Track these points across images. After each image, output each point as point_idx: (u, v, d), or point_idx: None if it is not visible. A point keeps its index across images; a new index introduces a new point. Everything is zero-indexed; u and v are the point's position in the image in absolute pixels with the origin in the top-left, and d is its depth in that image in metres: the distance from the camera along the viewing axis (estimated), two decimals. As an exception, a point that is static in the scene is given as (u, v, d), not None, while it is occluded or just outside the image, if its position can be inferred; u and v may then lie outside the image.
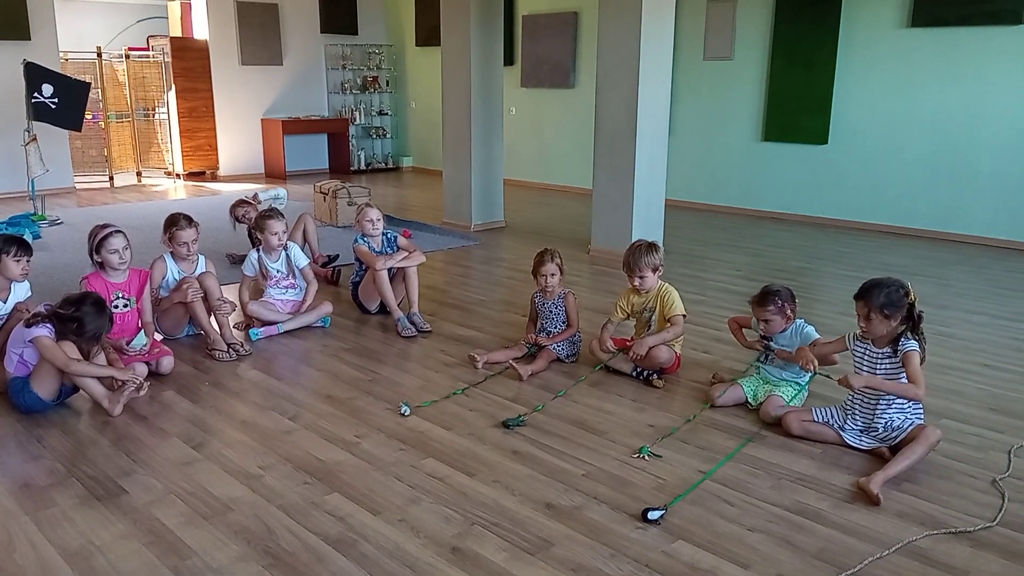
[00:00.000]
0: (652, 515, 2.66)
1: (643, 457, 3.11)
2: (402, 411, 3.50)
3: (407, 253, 4.78)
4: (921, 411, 3.15)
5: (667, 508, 2.71)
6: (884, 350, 3.13)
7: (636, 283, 3.92)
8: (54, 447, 3.18)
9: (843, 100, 7.79)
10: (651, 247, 3.92)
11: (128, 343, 3.87)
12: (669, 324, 3.87)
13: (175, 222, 4.34)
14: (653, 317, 3.95)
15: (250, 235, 6.03)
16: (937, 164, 7.29)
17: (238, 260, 5.60)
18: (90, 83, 8.73)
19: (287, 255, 4.78)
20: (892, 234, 7.51)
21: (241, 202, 6.28)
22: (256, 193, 6.56)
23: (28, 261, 3.83)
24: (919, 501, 2.78)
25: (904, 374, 3.07)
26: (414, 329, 4.57)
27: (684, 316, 3.90)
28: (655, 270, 3.91)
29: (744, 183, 8.69)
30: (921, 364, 3.07)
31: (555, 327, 4.17)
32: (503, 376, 3.94)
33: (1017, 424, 3.41)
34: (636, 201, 6.34)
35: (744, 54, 8.45)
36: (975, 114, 7.00)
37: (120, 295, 3.98)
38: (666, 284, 3.96)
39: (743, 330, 3.83)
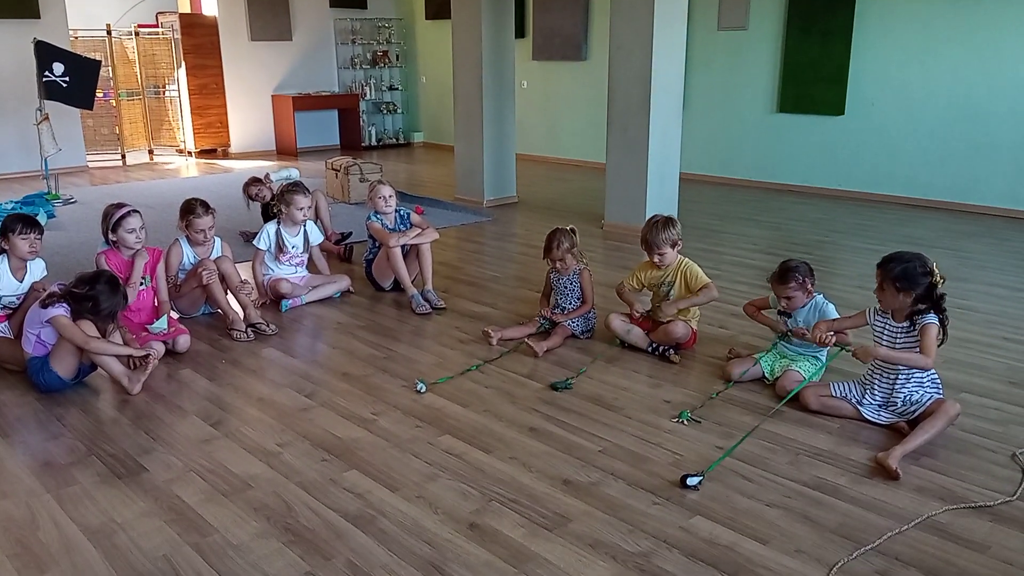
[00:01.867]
0: (691, 481, 2.70)
1: (683, 422, 3.17)
2: (418, 388, 3.51)
3: (420, 230, 4.77)
4: (940, 385, 3.12)
5: (704, 474, 2.73)
6: (903, 324, 3.10)
7: (656, 259, 3.90)
8: (74, 426, 3.21)
9: (859, 70, 7.67)
10: (668, 222, 3.89)
11: (149, 326, 3.89)
12: (701, 291, 3.85)
13: (192, 210, 4.33)
14: (672, 291, 3.92)
15: (264, 213, 6.03)
16: (955, 134, 7.18)
17: (251, 238, 5.60)
18: (100, 61, 8.72)
19: (305, 231, 4.79)
20: (911, 206, 7.43)
21: (255, 180, 6.27)
22: (267, 173, 6.55)
23: (37, 238, 3.81)
24: (938, 476, 2.77)
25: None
26: (428, 306, 4.57)
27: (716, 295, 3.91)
28: (674, 245, 3.89)
29: (760, 156, 8.60)
30: (941, 344, 3.03)
31: (570, 303, 4.15)
32: (518, 352, 3.94)
33: (1037, 398, 3.38)
34: (650, 175, 6.29)
35: (759, 24, 8.33)
36: (993, 83, 6.89)
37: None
38: (685, 259, 3.93)
39: (761, 312, 3.79)
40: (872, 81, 7.62)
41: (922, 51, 7.25)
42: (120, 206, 4.02)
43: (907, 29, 7.30)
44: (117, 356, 3.48)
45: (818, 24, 7.81)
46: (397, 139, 12.67)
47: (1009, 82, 6.80)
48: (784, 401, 3.25)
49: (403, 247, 4.70)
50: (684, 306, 3.85)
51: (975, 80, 6.99)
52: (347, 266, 5.53)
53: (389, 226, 4.79)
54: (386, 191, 4.78)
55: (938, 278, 3.02)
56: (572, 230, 4.12)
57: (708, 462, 2.86)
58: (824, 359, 3.56)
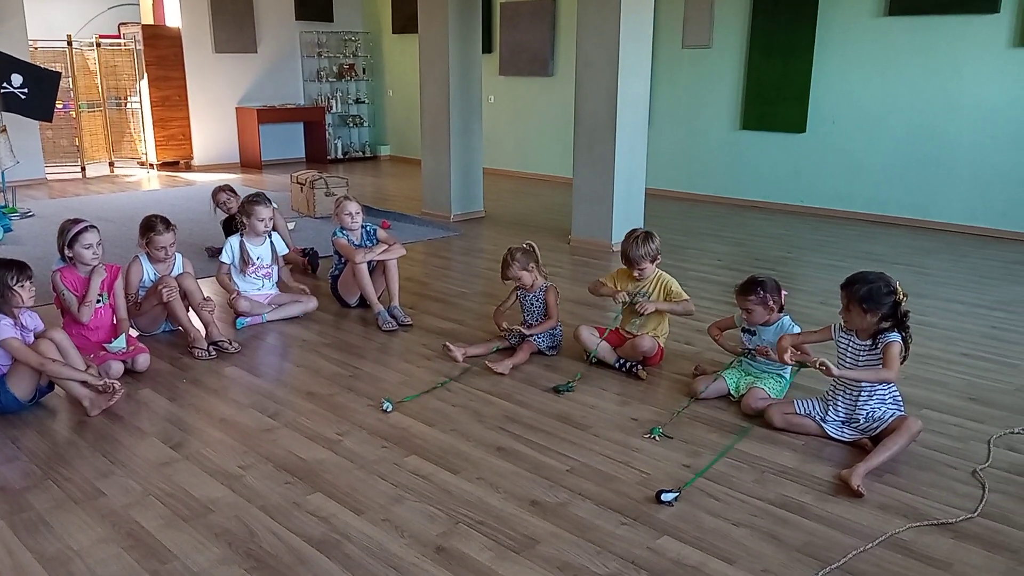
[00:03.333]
0: (666, 497, 2.71)
1: (654, 438, 3.19)
2: (384, 407, 3.47)
3: (386, 246, 4.74)
4: (901, 402, 3.16)
5: (680, 491, 2.75)
6: (867, 342, 3.14)
7: (636, 274, 3.93)
8: (29, 448, 3.12)
9: (821, 88, 7.81)
10: (647, 237, 3.92)
11: (106, 345, 3.81)
12: (681, 302, 3.90)
13: (152, 227, 4.26)
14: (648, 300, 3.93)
15: (226, 226, 5.93)
16: (915, 152, 7.33)
17: (216, 253, 5.53)
18: (60, 72, 8.58)
19: (271, 243, 4.73)
20: (871, 222, 7.55)
21: (224, 188, 6.12)
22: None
23: (31, 282, 3.45)
24: (901, 493, 2.80)
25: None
26: (395, 323, 4.53)
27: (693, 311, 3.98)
28: (653, 260, 3.92)
29: (723, 172, 8.70)
30: (903, 362, 3.08)
31: (535, 319, 4.15)
32: (485, 371, 3.92)
33: (997, 414, 3.44)
34: (616, 191, 6.32)
35: (723, 42, 8.44)
36: (952, 102, 7.05)
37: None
38: (663, 272, 3.96)
39: (725, 333, 3.82)
40: (833, 99, 7.75)
41: (882, 70, 7.40)
42: (76, 221, 3.94)
43: (867, 48, 7.45)
44: (75, 381, 3.38)
45: (780, 42, 7.94)
46: (363, 152, 12.62)
47: (967, 101, 6.96)
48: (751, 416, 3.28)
49: (369, 263, 4.67)
50: (664, 308, 3.87)
51: (934, 99, 7.14)
52: (312, 282, 5.47)
53: (355, 242, 4.76)
54: (352, 207, 4.74)
55: (901, 296, 3.07)
56: (531, 246, 4.12)
57: (676, 480, 2.86)
58: (788, 377, 3.59)
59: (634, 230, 4.02)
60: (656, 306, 3.86)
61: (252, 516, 2.64)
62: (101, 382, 3.41)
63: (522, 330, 4.07)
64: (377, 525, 2.59)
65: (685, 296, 3.92)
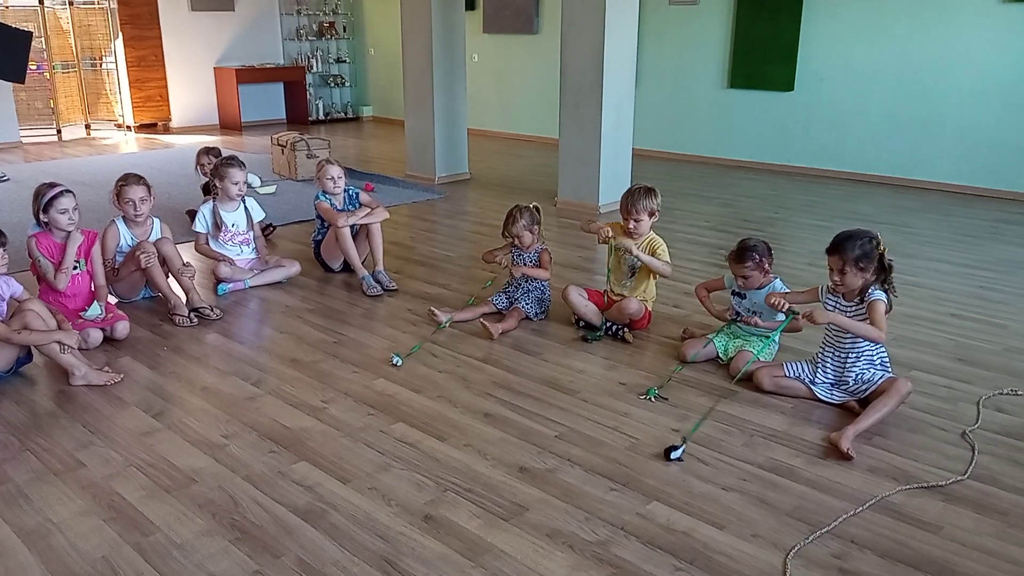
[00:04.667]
0: (674, 454, 2.74)
1: (650, 399, 3.19)
2: (394, 362, 3.47)
3: (369, 210, 4.65)
4: (889, 364, 3.14)
5: (686, 441, 2.80)
6: (853, 301, 3.12)
7: (631, 226, 3.83)
8: (7, 419, 3.06)
9: (809, 47, 7.71)
10: (650, 191, 3.85)
11: (82, 312, 3.72)
12: (662, 260, 3.81)
13: (123, 179, 4.16)
14: (637, 264, 3.86)
15: (205, 190, 5.82)
16: (902, 112, 7.27)
17: (196, 217, 5.42)
18: (32, 32, 8.32)
19: (245, 208, 4.64)
20: (858, 182, 7.52)
21: (207, 150, 5.96)
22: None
23: (3, 249, 3.43)
24: (890, 455, 2.79)
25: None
26: (379, 288, 4.47)
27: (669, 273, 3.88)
28: (651, 215, 3.84)
29: (711, 131, 8.61)
30: (887, 313, 3.05)
31: (527, 280, 4.07)
32: (472, 336, 3.87)
33: (985, 375, 3.43)
34: (603, 152, 6.24)
35: (710, -1, 8.30)
36: (940, 61, 6.97)
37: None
38: (655, 235, 3.89)
39: (712, 294, 3.77)
40: (821, 58, 7.66)
41: (871, 28, 7.30)
42: (52, 185, 3.82)
43: (856, 6, 7.34)
44: (48, 343, 3.29)
45: (769, 0, 7.80)
46: (345, 113, 12.42)
47: (956, 60, 6.89)
48: (737, 378, 3.25)
49: (352, 227, 4.58)
50: (643, 257, 3.75)
51: (922, 58, 7.06)
52: (294, 247, 5.37)
53: (338, 206, 4.67)
54: (335, 171, 4.64)
55: (883, 247, 3.05)
56: (536, 207, 4.06)
57: (663, 445, 2.83)
58: (777, 340, 3.56)
59: (637, 183, 3.95)
60: (637, 253, 3.75)
61: (236, 486, 2.59)
62: (75, 339, 3.33)
63: (515, 270, 4.00)
64: (364, 494, 2.55)
65: (667, 260, 3.85)
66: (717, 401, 3.15)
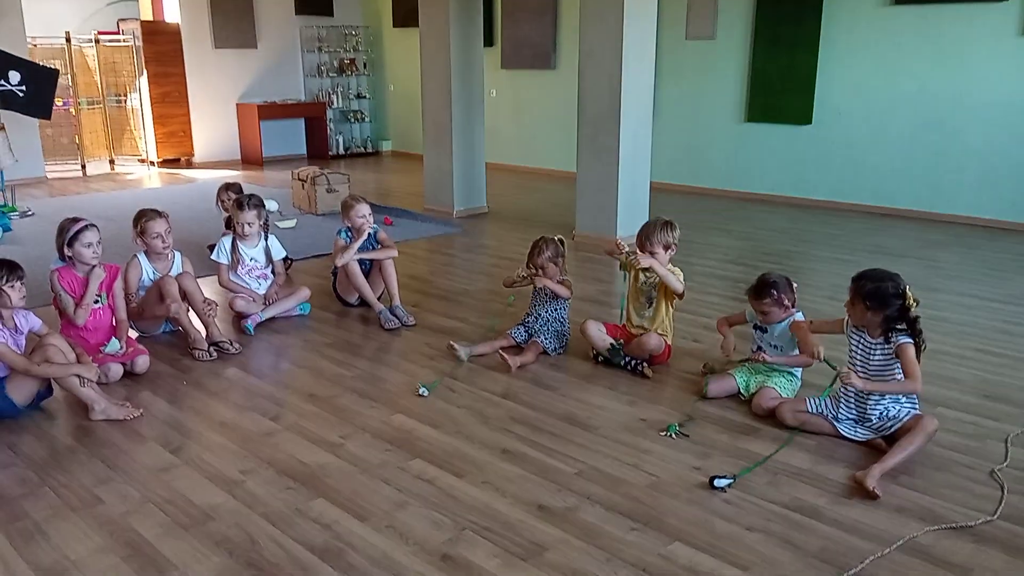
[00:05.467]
0: (719, 483, 2.72)
1: (671, 435, 3.14)
2: (421, 392, 3.50)
3: (378, 246, 4.66)
4: (916, 399, 3.09)
5: (736, 478, 2.76)
6: (878, 340, 3.07)
7: None
8: (26, 454, 3.06)
9: (826, 80, 7.71)
10: (668, 224, 3.84)
11: (103, 347, 3.74)
12: (678, 283, 3.77)
13: (143, 214, 4.21)
14: (654, 294, 3.84)
15: (227, 222, 5.86)
16: (922, 143, 7.24)
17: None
18: (59, 70, 8.51)
19: (266, 245, 4.67)
20: (879, 215, 7.47)
21: (229, 186, 6.02)
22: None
23: (22, 282, 3.40)
24: (917, 495, 2.73)
25: (898, 365, 3.02)
26: (397, 321, 4.47)
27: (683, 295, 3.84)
28: (667, 248, 3.82)
29: (729, 165, 8.61)
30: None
31: (544, 310, 4.06)
32: (490, 370, 3.85)
33: (1013, 411, 3.36)
34: (621, 184, 6.23)
35: (727, 34, 8.34)
36: (959, 92, 6.95)
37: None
38: (675, 267, 3.87)
39: (734, 327, 3.73)
40: (839, 91, 7.66)
41: (888, 61, 7.30)
42: (76, 220, 3.87)
43: (874, 40, 7.35)
44: (67, 376, 3.30)
45: (785, 34, 7.84)
46: (365, 148, 12.54)
47: (975, 90, 6.87)
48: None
49: (365, 263, 4.60)
50: (659, 269, 3.71)
51: (940, 90, 7.05)
52: (312, 280, 5.39)
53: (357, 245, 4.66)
54: (364, 209, 4.62)
55: (911, 301, 2.99)
56: (560, 240, 4.06)
57: (685, 483, 2.79)
58: (799, 375, 3.51)
59: (657, 217, 3.94)
60: (651, 262, 3.71)
61: (253, 523, 2.58)
62: (94, 373, 3.34)
63: (538, 281, 3.97)
64: (381, 532, 2.53)
65: (682, 283, 3.80)
66: (778, 448, 3.06)
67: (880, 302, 2.98)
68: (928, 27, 7.01)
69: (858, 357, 3.12)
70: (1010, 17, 6.57)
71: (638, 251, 3.78)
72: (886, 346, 3.04)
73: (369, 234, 4.71)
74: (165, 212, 4.28)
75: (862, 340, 3.12)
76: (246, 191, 6.29)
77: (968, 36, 6.81)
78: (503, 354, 3.86)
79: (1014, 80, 6.64)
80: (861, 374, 3.08)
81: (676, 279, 3.77)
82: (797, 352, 3.43)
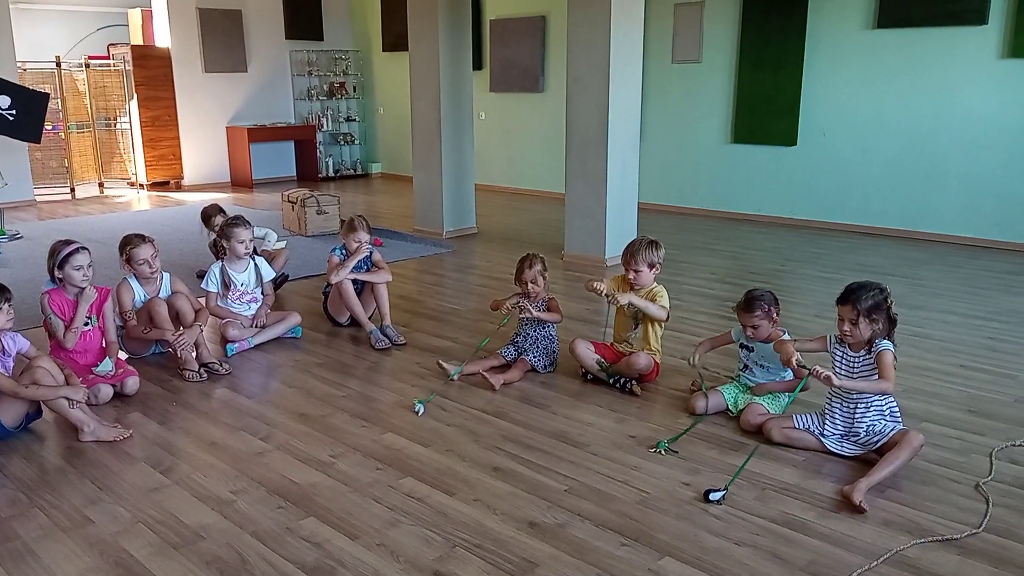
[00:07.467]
0: (714, 496, 2.77)
1: (660, 452, 3.17)
2: (416, 410, 3.50)
3: (374, 268, 4.68)
4: (899, 416, 3.13)
5: (727, 488, 2.81)
6: (860, 353, 3.12)
7: (631, 277, 3.86)
8: (15, 475, 3.06)
9: (811, 101, 7.82)
10: (652, 243, 3.89)
11: (94, 368, 3.74)
12: (661, 308, 3.80)
13: (128, 242, 4.21)
14: (639, 314, 3.88)
15: (213, 248, 5.86)
16: (905, 164, 7.34)
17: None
18: (49, 94, 8.53)
19: (255, 266, 4.67)
20: (863, 234, 7.55)
21: (216, 210, 6.01)
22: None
23: (9, 305, 3.40)
24: (904, 508, 2.76)
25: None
26: (387, 341, 4.48)
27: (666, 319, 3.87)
28: (652, 267, 3.86)
29: (715, 185, 8.70)
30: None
31: (532, 330, 4.09)
32: (480, 388, 3.87)
33: (997, 426, 3.40)
34: (609, 205, 6.30)
35: (712, 57, 8.46)
36: (942, 114, 7.07)
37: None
38: (659, 285, 3.91)
39: (718, 348, 3.78)
40: (824, 112, 7.77)
41: (872, 82, 7.42)
42: (67, 243, 3.88)
43: (857, 61, 7.47)
44: (55, 399, 3.30)
45: (770, 56, 7.96)
46: (355, 170, 12.59)
47: (957, 113, 6.98)
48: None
49: (357, 284, 4.62)
50: (637, 303, 3.76)
51: (924, 110, 7.16)
52: (306, 301, 5.41)
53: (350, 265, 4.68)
54: (364, 236, 4.64)
55: (891, 300, 3.09)
56: (542, 258, 4.10)
57: (674, 498, 2.82)
58: (791, 393, 3.55)
59: (642, 236, 3.98)
60: (630, 299, 3.76)
61: (244, 543, 2.58)
62: (82, 395, 3.34)
63: (529, 307, 3.98)
64: (372, 550, 2.53)
65: (666, 306, 3.84)
66: (755, 448, 3.13)
67: (880, 310, 3.06)
68: (911, 50, 7.13)
69: (843, 372, 3.16)
70: (990, 41, 6.70)
71: (615, 292, 3.80)
72: (868, 357, 3.09)
73: (363, 259, 4.72)
74: (151, 237, 4.27)
75: (845, 354, 3.17)
76: (230, 212, 6.31)
77: (950, 59, 6.94)
78: (485, 375, 3.87)
79: (995, 102, 6.76)
80: (844, 390, 3.12)
81: (658, 307, 3.80)
82: (789, 373, 3.48)
